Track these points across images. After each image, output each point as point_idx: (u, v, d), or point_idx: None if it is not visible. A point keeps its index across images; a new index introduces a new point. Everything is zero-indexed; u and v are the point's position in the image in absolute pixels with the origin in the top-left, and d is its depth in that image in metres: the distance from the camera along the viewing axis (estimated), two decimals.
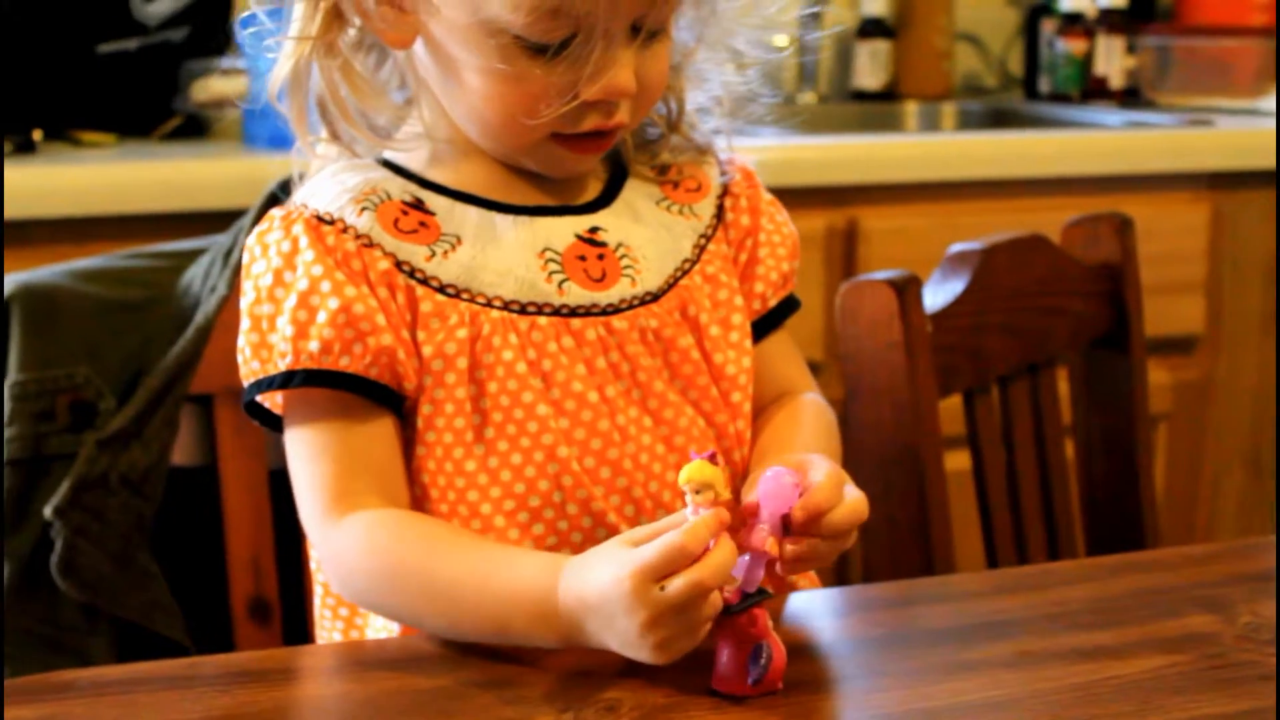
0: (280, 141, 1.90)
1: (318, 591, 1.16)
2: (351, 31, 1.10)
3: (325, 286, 1.05)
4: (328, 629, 1.15)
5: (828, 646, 1.03)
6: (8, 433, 1.38)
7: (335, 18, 1.08)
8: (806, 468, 1.01)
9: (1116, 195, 2.23)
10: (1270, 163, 2.29)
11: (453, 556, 1.01)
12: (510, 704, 0.92)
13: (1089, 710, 0.92)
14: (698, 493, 0.93)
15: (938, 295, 1.43)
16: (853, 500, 1.00)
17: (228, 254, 1.44)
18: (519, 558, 1.01)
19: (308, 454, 1.07)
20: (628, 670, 0.95)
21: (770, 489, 0.97)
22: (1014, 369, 1.51)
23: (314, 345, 1.04)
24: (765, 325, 1.18)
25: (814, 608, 1.10)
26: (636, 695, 0.93)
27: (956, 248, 1.46)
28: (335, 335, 1.04)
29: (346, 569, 1.05)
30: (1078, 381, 1.60)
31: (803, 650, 0.99)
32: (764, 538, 0.96)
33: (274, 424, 1.10)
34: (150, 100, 2.10)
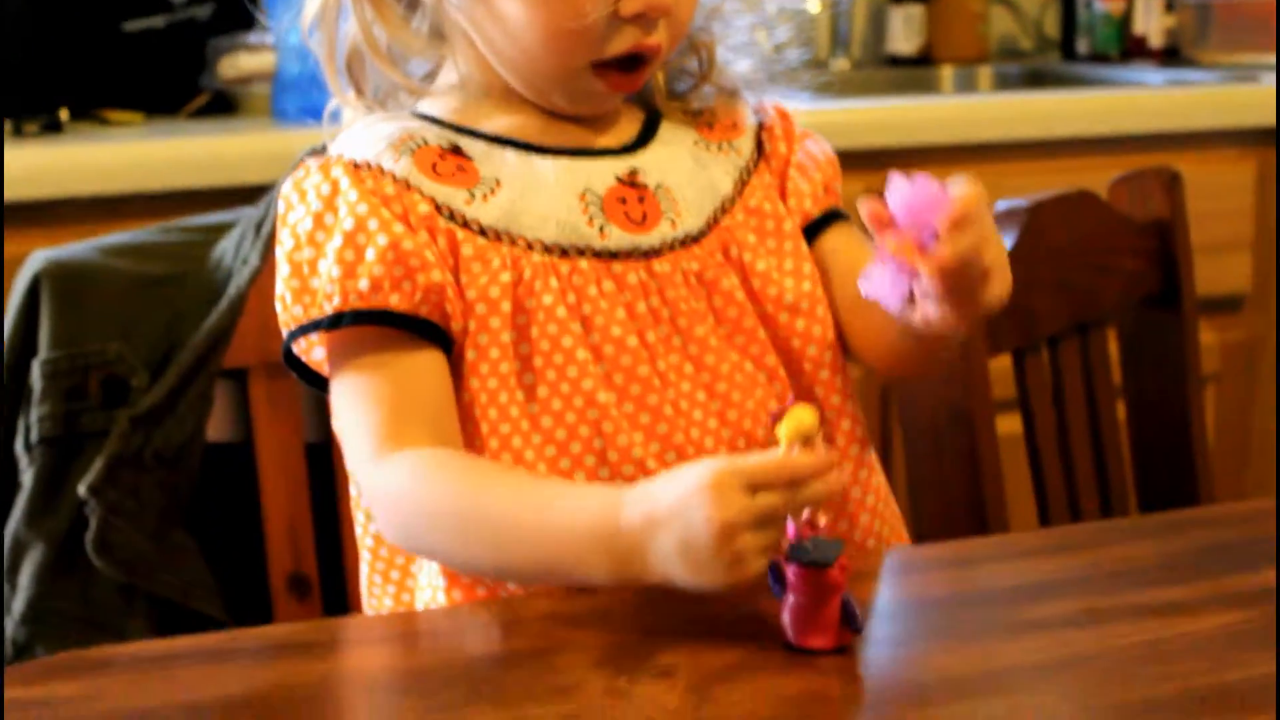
0: (309, 115, 1.89)
1: (365, 558, 1.13)
2: None
3: (372, 224, 1.03)
4: (377, 595, 1.13)
5: (889, 607, 1.01)
6: (39, 411, 1.36)
7: None
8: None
9: (1160, 154, 2.19)
10: None
11: (508, 488, 0.99)
12: (561, 672, 0.90)
13: (1162, 668, 0.89)
14: (805, 443, 0.89)
15: None
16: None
17: (259, 226, 1.42)
18: (582, 487, 0.99)
19: (357, 395, 1.04)
20: (682, 634, 0.93)
21: (911, 194, 0.91)
22: (1063, 328, 1.48)
23: (363, 284, 1.02)
24: (814, 231, 1.15)
25: (871, 570, 1.06)
26: (692, 659, 0.90)
27: (1003, 205, 1.43)
28: (385, 273, 1.02)
29: (394, 505, 1.02)
30: (1128, 341, 1.57)
31: (864, 612, 0.96)
32: (895, 242, 0.90)
33: (310, 379, 1.08)
34: (177, 78, 2.08)
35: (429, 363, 1.04)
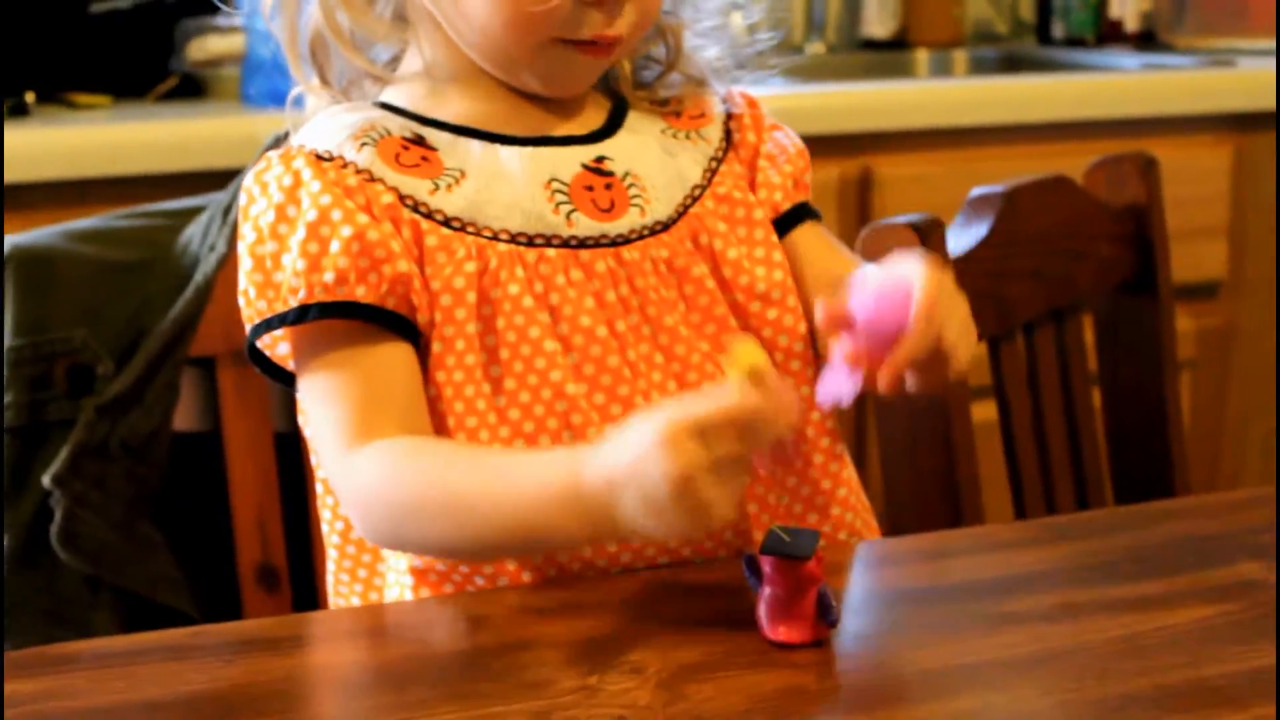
0: (278, 99, 1.87)
1: (331, 556, 1.11)
2: None
3: (336, 215, 1.01)
4: (343, 594, 1.11)
5: (863, 600, 1.00)
6: (3, 400, 1.33)
7: None
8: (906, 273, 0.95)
9: (1136, 139, 2.18)
10: None
11: (473, 468, 0.97)
12: (530, 668, 0.88)
13: (1139, 663, 0.88)
14: (754, 378, 0.87)
15: (960, 239, 1.39)
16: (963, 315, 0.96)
17: (226, 211, 1.40)
18: (543, 455, 0.97)
19: (325, 391, 1.02)
20: (653, 629, 0.92)
21: (872, 295, 0.92)
22: (1039, 315, 1.47)
23: (328, 276, 1.00)
24: (784, 226, 1.14)
25: (845, 561, 1.05)
26: (663, 655, 0.89)
27: (979, 191, 1.42)
28: (350, 264, 1.00)
29: (366, 499, 1.00)
30: (1104, 327, 1.56)
31: (839, 606, 0.95)
32: (850, 350, 0.92)
33: (275, 373, 1.07)
34: (145, 60, 2.06)
35: (397, 355, 1.02)
